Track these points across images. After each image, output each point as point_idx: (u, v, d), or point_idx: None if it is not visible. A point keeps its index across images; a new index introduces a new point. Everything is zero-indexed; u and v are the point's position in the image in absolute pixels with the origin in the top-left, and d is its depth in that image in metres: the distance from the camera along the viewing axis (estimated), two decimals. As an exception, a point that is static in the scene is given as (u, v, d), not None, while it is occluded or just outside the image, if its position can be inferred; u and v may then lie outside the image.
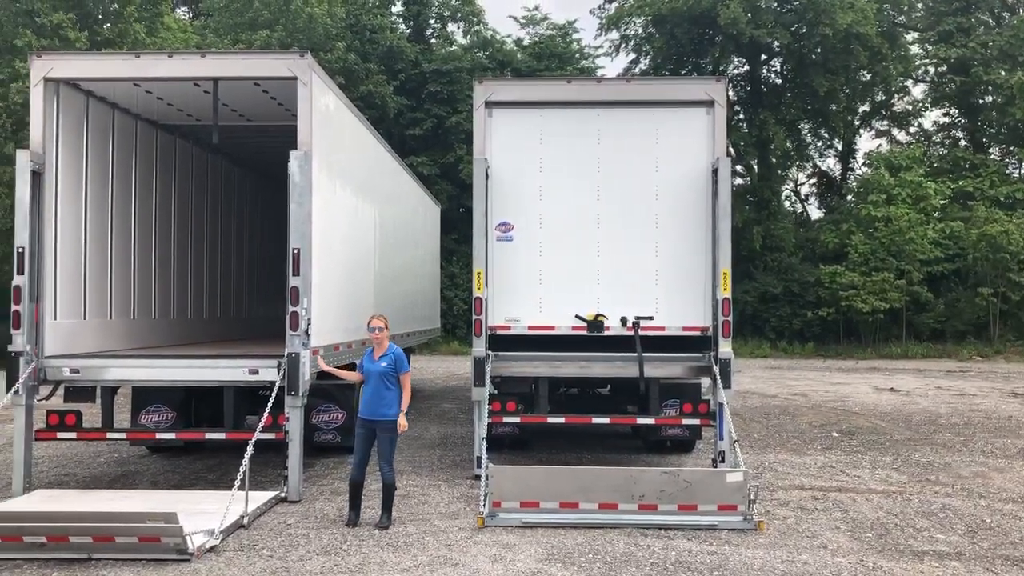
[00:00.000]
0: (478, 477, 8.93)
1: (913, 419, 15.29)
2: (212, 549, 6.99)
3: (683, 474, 7.90)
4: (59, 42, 25.27)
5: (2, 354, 9.10)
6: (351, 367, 9.08)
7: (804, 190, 44.27)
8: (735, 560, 6.87)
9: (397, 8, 39.42)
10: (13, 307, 8.81)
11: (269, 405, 8.63)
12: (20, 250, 8.83)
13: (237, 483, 7.79)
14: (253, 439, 8.30)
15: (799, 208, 43.47)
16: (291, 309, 8.71)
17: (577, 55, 39.62)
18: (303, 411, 8.89)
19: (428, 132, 35.58)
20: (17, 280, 8.82)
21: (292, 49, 10.76)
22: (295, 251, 8.73)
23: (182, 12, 41.64)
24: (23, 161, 8.89)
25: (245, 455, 7.99)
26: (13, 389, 8.73)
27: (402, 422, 7.97)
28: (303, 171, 8.82)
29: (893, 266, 31.69)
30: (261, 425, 8.54)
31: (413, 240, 17.03)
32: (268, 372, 8.96)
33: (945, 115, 40.36)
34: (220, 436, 9.34)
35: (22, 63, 24.29)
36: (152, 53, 9.57)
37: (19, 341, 8.80)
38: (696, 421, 10.20)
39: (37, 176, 9.05)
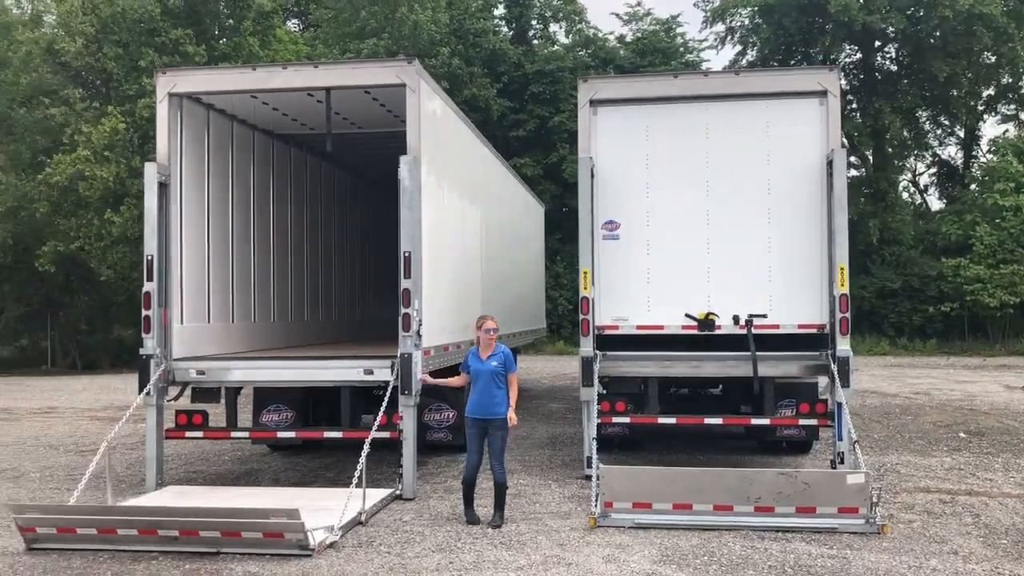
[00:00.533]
0: (588, 477, 8.91)
1: (1049, 419, 14.48)
2: (332, 545, 7.20)
3: (801, 475, 7.70)
4: (179, 58, 26.57)
5: (134, 357, 9.58)
6: (453, 369, 9.25)
7: (923, 180, 42.45)
8: (858, 564, 6.65)
9: (499, 11, 39.74)
10: (143, 312, 9.29)
11: (384, 404, 8.83)
12: (149, 258, 9.29)
13: (355, 481, 8.00)
14: (369, 438, 8.51)
15: (918, 199, 41.72)
16: (403, 311, 8.88)
17: (681, 49, 39.05)
18: (416, 410, 9.05)
19: (531, 133, 35.73)
20: (147, 287, 9.29)
21: (400, 56, 10.99)
22: (406, 254, 8.90)
23: (292, 24, 43.04)
24: (151, 173, 9.36)
25: (362, 454, 8.20)
26: (145, 390, 9.20)
27: (512, 416, 8.07)
28: (412, 176, 8.99)
29: (1023, 258, 30.01)
30: (377, 424, 8.74)
31: (519, 241, 17.14)
32: (382, 372, 9.17)
33: (1078, 97, 37.97)
34: (337, 435, 9.61)
35: (147, 80, 25.61)
36: (267, 65, 9.93)
37: (149, 344, 9.27)
38: (813, 421, 9.89)
39: (163, 187, 9.51)
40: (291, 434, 10.07)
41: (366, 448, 8.29)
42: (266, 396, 10.71)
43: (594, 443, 9.14)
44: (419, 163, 9.09)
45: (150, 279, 9.29)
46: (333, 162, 14.69)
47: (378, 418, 8.77)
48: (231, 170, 11.15)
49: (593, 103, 10.15)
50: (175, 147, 9.76)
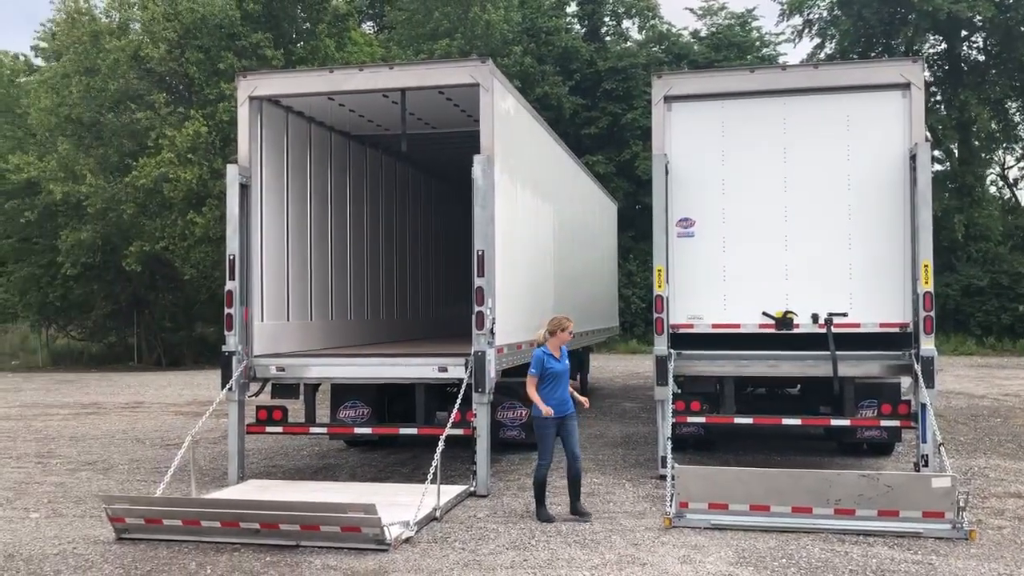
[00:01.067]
0: (663, 477, 8.85)
1: None
2: (408, 540, 7.29)
3: (883, 478, 7.49)
4: (257, 61, 27.21)
5: (216, 354, 9.85)
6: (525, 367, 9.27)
7: (1012, 174, 40.88)
8: (943, 570, 6.45)
9: (572, 8, 39.66)
10: (226, 310, 9.55)
11: (458, 401, 8.91)
12: (231, 257, 9.54)
13: (429, 477, 8.08)
14: (444, 434, 8.59)
15: (1007, 193, 40.22)
16: (476, 309, 8.94)
17: (757, 43, 38.41)
18: (489, 408, 9.10)
19: (603, 130, 35.59)
20: (229, 285, 9.54)
21: (473, 56, 11.05)
22: (479, 253, 8.95)
23: (367, 27, 43.70)
24: (232, 175, 9.61)
25: (436, 450, 8.27)
26: (227, 386, 9.46)
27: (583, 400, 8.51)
28: (486, 175, 9.04)
29: (1119, 254, 28.74)
30: (451, 421, 8.83)
31: (591, 239, 17.09)
32: (456, 370, 9.25)
33: None
34: (412, 431, 9.74)
35: (227, 84, 26.30)
36: (344, 68, 10.07)
37: (231, 341, 9.52)
38: (895, 423, 9.65)
39: (244, 188, 9.76)
40: (367, 430, 10.23)
41: (441, 444, 8.36)
42: (343, 393, 10.90)
43: (669, 443, 9.07)
44: (492, 162, 9.13)
45: (232, 278, 9.54)
46: (408, 162, 14.87)
47: (452, 415, 8.84)
48: (309, 171, 11.38)
49: (667, 99, 10.07)
50: (255, 149, 9.99)
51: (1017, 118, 38.04)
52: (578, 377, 17.04)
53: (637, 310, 31.99)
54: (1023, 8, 31.49)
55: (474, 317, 8.97)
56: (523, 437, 11.13)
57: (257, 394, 10.02)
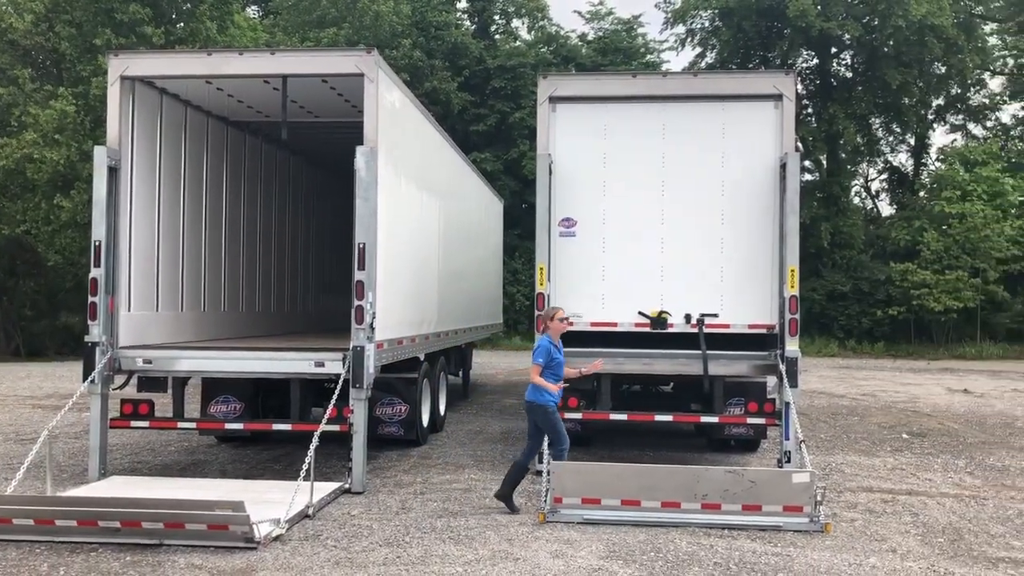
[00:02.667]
0: (539, 473, 8.89)
1: (988, 422, 14.83)
2: (278, 538, 7.11)
3: (748, 474, 7.78)
4: (136, 39, 26.03)
5: (81, 345, 9.38)
6: (405, 363, 9.15)
7: (875, 186, 43.25)
8: (800, 562, 6.74)
9: (462, 4, 39.63)
10: (90, 299, 9.09)
11: (334, 397, 8.76)
12: (97, 244, 9.09)
13: (302, 474, 7.92)
14: (318, 431, 8.43)
15: (869, 204, 42.50)
16: (356, 303, 8.80)
17: (642, 50, 39.28)
18: (367, 404, 8.97)
19: (492, 128, 35.67)
20: (94, 272, 9.08)
21: (359, 46, 10.87)
22: (361, 246, 8.82)
23: (252, 11, 42.44)
24: (100, 157, 9.15)
25: (310, 446, 8.11)
26: (89, 378, 9.01)
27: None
28: (369, 167, 8.90)
29: (967, 264, 30.75)
30: (326, 417, 8.67)
31: (476, 235, 17.08)
32: (333, 365, 9.07)
33: (1024, 108, 38.99)
34: (286, 427, 9.51)
35: (103, 60, 25.03)
36: (223, 51, 9.77)
37: (95, 332, 9.07)
38: (761, 420, 10.02)
39: (113, 172, 9.30)
40: (239, 426, 9.93)
41: (315, 441, 8.20)
42: (215, 387, 10.55)
43: (545, 439, 9.11)
44: (376, 154, 9.00)
45: (97, 265, 9.09)
46: (291, 151, 14.52)
47: (328, 411, 8.68)
48: (184, 156, 10.95)
49: (552, 100, 10.15)
50: (126, 131, 9.55)
51: (880, 134, 40.28)
52: (460, 373, 17.08)
53: (521, 307, 32.23)
54: (887, 30, 33.28)
55: (353, 311, 8.83)
56: (402, 433, 11.04)
57: (122, 387, 9.58)
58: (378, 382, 10.41)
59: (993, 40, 37.72)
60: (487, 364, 25.44)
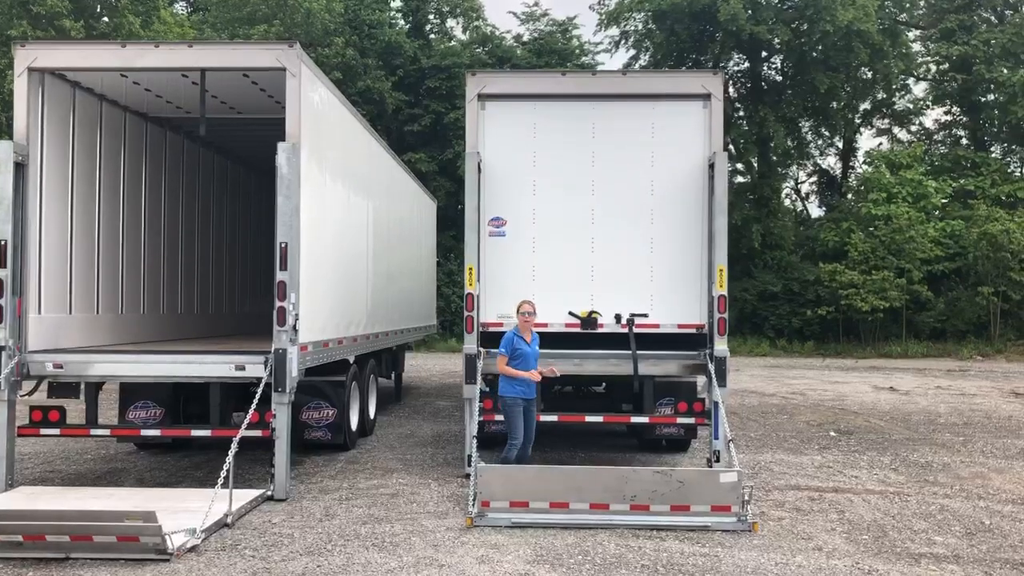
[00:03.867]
0: (468, 476, 8.77)
1: (912, 419, 15.14)
2: (193, 549, 6.84)
3: (676, 474, 7.75)
4: (55, 33, 25.15)
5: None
6: (332, 366, 8.98)
7: (804, 188, 44.15)
8: (728, 562, 6.72)
9: (396, 3, 39.26)
10: (-4, 301, 8.65)
11: (255, 402, 8.50)
12: (3, 243, 8.65)
13: (220, 481, 7.64)
14: (238, 436, 8.17)
15: (799, 206, 43.34)
16: (278, 304, 8.56)
17: (577, 51, 39.43)
18: (290, 408, 8.73)
19: (427, 128, 35.43)
20: (0, 273, 8.65)
21: (281, 39, 10.59)
22: (282, 245, 8.59)
23: (180, 7, 41.45)
24: (6, 152, 8.71)
25: (229, 453, 7.85)
26: (-5, 384, 8.58)
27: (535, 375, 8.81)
28: (291, 164, 8.67)
29: (893, 265, 31.51)
30: (247, 422, 8.40)
31: (409, 236, 16.89)
32: (255, 368, 8.80)
33: (946, 113, 40.19)
34: (206, 433, 9.19)
35: (16, 55, 24.11)
36: (138, 43, 9.38)
37: (1, 335, 8.64)
38: (691, 420, 10.02)
39: (21, 168, 8.88)
40: (156, 432, 9.57)
41: (234, 447, 7.94)
42: (133, 392, 10.18)
43: (474, 441, 9.00)
44: (298, 150, 8.77)
45: (3, 265, 8.65)
46: (213, 149, 14.12)
47: (248, 415, 8.41)
48: (100, 153, 10.53)
49: (481, 97, 10.03)
50: (35, 125, 9.12)
51: (809, 137, 41.12)
52: (392, 376, 16.85)
53: (456, 309, 32.02)
54: (815, 34, 33.98)
55: (275, 313, 8.58)
56: (329, 438, 10.81)
57: (31, 393, 9.15)
58: (304, 386, 10.22)
59: (916, 46, 38.82)
60: (421, 366, 25.21)
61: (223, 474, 7.67)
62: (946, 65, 37.84)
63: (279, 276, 8.57)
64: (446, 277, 31.29)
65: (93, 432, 9.34)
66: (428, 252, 20.38)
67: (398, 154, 30.55)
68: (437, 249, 23.84)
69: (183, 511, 7.57)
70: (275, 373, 8.52)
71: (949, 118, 40.12)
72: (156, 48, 9.20)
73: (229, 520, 7.56)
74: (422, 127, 35.34)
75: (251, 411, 8.47)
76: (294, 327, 8.64)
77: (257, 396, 8.51)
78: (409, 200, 17.13)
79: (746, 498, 7.62)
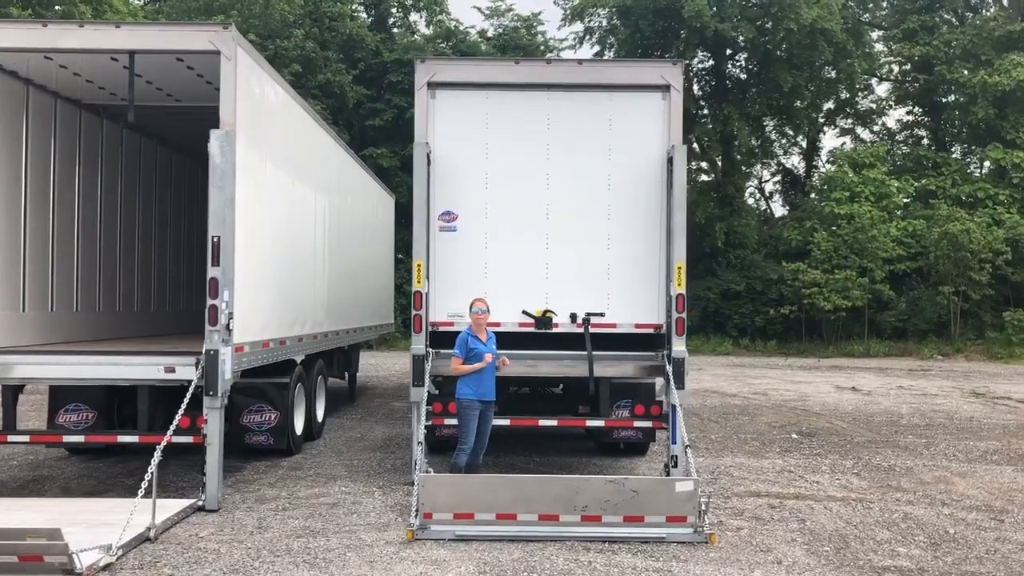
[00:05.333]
0: (414, 483, 8.31)
1: (874, 420, 14.95)
2: (107, 567, 6.31)
3: (629, 483, 7.34)
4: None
5: None
6: (273, 367, 8.56)
7: (768, 187, 44.14)
8: (683, 578, 6.33)
9: (358, -4, 38.60)
10: (-97, 298, 8.04)
11: (184, 405, 7.97)
12: (-89, 235, 8.05)
13: (142, 491, 7.13)
14: (163, 443, 7.68)
15: (763, 205, 43.33)
16: (210, 302, 8.07)
17: (542, 47, 39.00)
18: (223, 412, 8.26)
19: (388, 123, 34.82)
20: (-93, 269, 8.04)
21: (214, 20, 10.05)
22: (215, 239, 8.10)
23: (136, -4, 40.39)
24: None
25: (152, 460, 7.32)
26: (-99, 388, 7.97)
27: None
28: (225, 152, 8.17)
29: (855, 264, 31.48)
30: (174, 427, 7.88)
31: (365, 232, 16.43)
32: (186, 370, 8.28)
33: (908, 113, 40.36)
34: (133, 439, 8.65)
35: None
36: (61, 22, 8.83)
37: (-91, 335, 8.04)
38: (649, 423, 9.69)
39: (-68, 155, 8.26)
40: (79, 438, 8.99)
41: (157, 454, 7.45)
42: (64, 394, 9.58)
43: (421, 448, 8.56)
44: (233, 138, 8.27)
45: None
46: (155, 139, 13.46)
47: (176, 420, 7.89)
48: (26, 141, 9.88)
49: (431, 86, 9.59)
50: (-50, 110, 8.51)
51: (773, 136, 41.09)
52: (345, 376, 16.38)
53: (417, 307, 31.49)
54: (780, 33, 33.86)
55: (207, 311, 8.09)
56: (271, 443, 10.31)
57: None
58: (245, 387, 9.86)
59: (879, 46, 38.92)
60: (380, 365, 24.73)
61: (145, 483, 7.15)
62: (908, 66, 38.02)
63: (211, 272, 8.10)
64: (407, 274, 30.60)
65: (11, 438, 8.73)
66: (387, 249, 19.93)
67: (359, 149, 30.00)
68: (398, 246, 23.38)
69: (104, 524, 7.04)
70: (206, 375, 8.05)
71: (911, 118, 40.31)
72: (80, 28, 8.61)
73: (151, 534, 7.03)
74: (384, 122, 34.74)
75: (179, 415, 7.93)
76: (227, 326, 8.16)
77: (186, 400, 7.98)
78: (365, 195, 16.64)
79: (703, 508, 7.23)
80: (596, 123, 9.65)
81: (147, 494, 7.15)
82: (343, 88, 33.75)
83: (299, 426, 11.10)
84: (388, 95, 35.30)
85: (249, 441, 10.26)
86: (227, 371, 8.15)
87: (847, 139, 41.99)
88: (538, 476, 8.17)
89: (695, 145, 36.55)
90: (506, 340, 9.48)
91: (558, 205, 9.66)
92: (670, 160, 9.41)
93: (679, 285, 9.11)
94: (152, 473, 7.23)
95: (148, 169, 13.41)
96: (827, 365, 27.54)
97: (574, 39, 38.89)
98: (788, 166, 42.69)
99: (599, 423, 9.73)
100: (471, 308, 8.64)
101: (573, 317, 9.56)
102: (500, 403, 9.91)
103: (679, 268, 9.14)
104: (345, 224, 14.21)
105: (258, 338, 9.31)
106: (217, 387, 8.03)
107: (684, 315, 9.12)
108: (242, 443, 10.19)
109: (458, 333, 9.48)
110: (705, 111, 37.77)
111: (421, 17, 39.34)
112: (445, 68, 9.75)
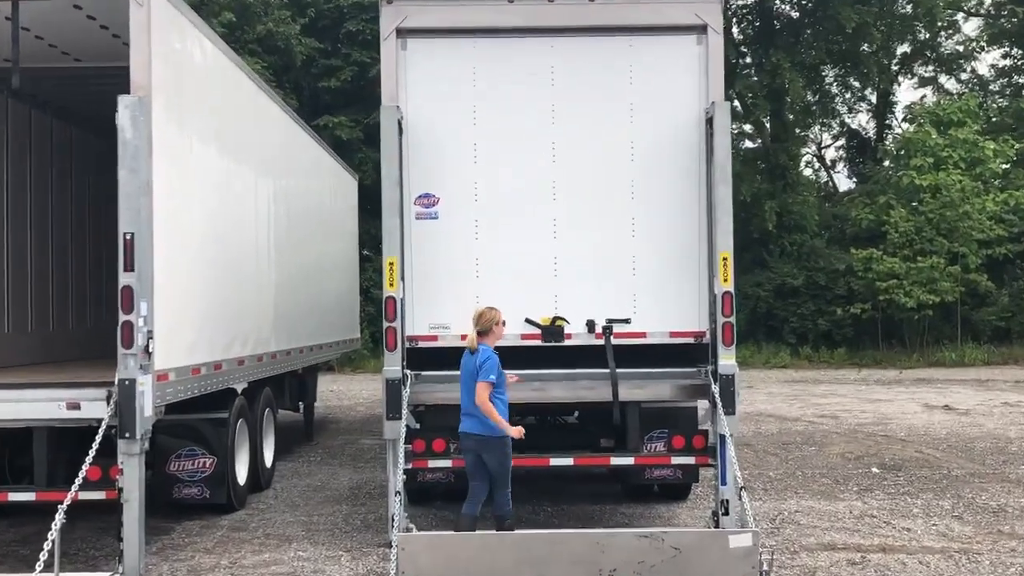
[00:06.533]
0: (392, 544, 8.21)
1: (976, 447, 14.93)
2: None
3: (669, 538, 7.22)
4: None
5: None
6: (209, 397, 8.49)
7: (829, 154, 44.24)
8: (742, 660, 6.21)
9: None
10: None
11: (92, 452, 7.86)
12: None
13: (41, 563, 7.03)
14: (67, 500, 7.57)
15: (823, 177, 43.46)
16: (123, 318, 7.96)
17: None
18: (143, 458, 8.14)
19: (347, 84, 34.92)
20: None
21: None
22: (127, 237, 7.99)
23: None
24: None
25: (54, 525, 7.23)
26: None
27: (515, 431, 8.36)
28: (137, 125, 8.06)
29: (943, 248, 31.50)
30: (81, 479, 7.77)
31: (322, 224, 16.50)
32: (93, 407, 8.19)
33: (1005, 57, 40.42)
34: (28, 497, 8.57)
35: None
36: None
37: None
38: (690, 459, 9.65)
39: None
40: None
41: (60, 516, 7.37)
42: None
43: (399, 498, 8.45)
44: (148, 106, 8.19)
45: None
46: (44, 109, 13.27)
47: (83, 470, 7.78)
48: None
49: (402, 33, 9.56)
50: None
51: (835, 89, 41.12)
52: (300, 407, 16.35)
53: (390, 317, 31.53)
54: (841, -42, 33.93)
55: (119, 329, 7.99)
56: (207, 496, 10.28)
57: None
58: (173, 426, 9.85)
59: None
60: (344, 392, 24.82)
61: (44, 554, 7.06)
62: (1004, -4, 38.10)
63: (123, 279, 7.99)
64: (376, 276, 30.69)
65: None
66: (349, 244, 19.95)
67: (312, 119, 29.88)
68: (363, 240, 23.46)
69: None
70: (120, 412, 7.92)
71: (1008, 63, 40.35)
72: (-57, -31, 8.50)
73: (52, 621, 6.92)
74: (341, 83, 34.81)
75: (86, 465, 7.82)
76: (146, 348, 8.07)
77: (95, 444, 7.87)
78: (321, 177, 16.73)
79: (765, 568, 7.13)
80: (613, 76, 9.64)
81: (47, 567, 7.06)
82: (289, 41, 33.80)
83: (242, 474, 11.08)
84: (346, 49, 35.38)
85: (179, 495, 10.23)
86: (147, 406, 8.06)
87: (928, 91, 42.15)
88: (552, 532, 8.08)
89: (736, 103, 36.60)
90: (506, 357, 9.32)
91: (567, 182, 9.64)
92: (709, 121, 9.37)
93: (725, 281, 9.05)
94: (54, 540, 7.15)
95: (41, 149, 13.25)
96: (911, 378, 27.55)
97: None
98: (854, 127, 42.83)
99: (627, 460, 9.73)
100: (494, 321, 8.44)
101: (590, 325, 9.53)
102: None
103: (725, 259, 9.09)
104: (296, 214, 14.21)
105: (187, 362, 9.25)
106: (135, 427, 7.91)
107: (733, 319, 9.08)
108: (170, 497, 10.18)
109: (442, 349, 9.49)
110: (748, 59, 37.87)
111: (386, -50, 39.34)
112: (419, 10, 9.65)
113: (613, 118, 9.63)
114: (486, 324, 8.36)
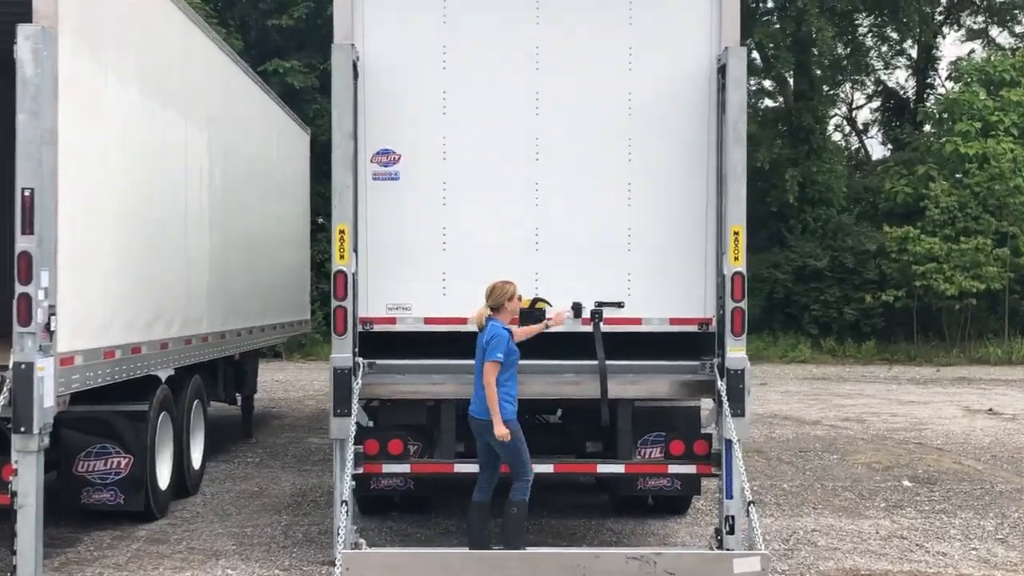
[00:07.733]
0: (335, 562, 8.17)
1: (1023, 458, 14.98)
2: None
3: (663, 560, 7.23)
4: None
5: None
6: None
7: (862, 116, 44.31)
8: None
9: None
10: None
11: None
12: None
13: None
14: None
15: (854, 143, 43.54)
16: (20, 289, 7.94)
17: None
18: (43, 456, 8.10)
19: (301, 23, 34.78)
20: None
21: None
22: (26, 194, 7.94)
23: None
24: None
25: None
26: None
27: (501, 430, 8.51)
28: (40, 59, 7.98)
29: (991, 228, 31.63)
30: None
31: (268, 184, 16.59)
32: (-16, 396, 8.15)
33: (1067, 7, 40.58)
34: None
35: None
36: None
37: None
38: (691, 468, 9.63)
39: None
40: None
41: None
42: None
43: (345, 507, 8.41)
44: (54, 37, 8.12)
45: None
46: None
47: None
48: None
49: (357, -42, 9.55)
50: None
51: (869, 41, 41.13)
52: (237, 399, 16.32)
53: (347, 295, 31.54)
54: None
55: (15, 303, 7.96)
56: (121, 501, 10.28)
57: None
58: (81, 420, 9.90)
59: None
60: (291, 383, 24.88)
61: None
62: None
63: (21, 243, 7.97)
64: (329, 247, 30.75)
65: None
66: (300, 210, 20.05)
67: (259, 63, 29.72)
68: (317, 204, 23.42)
69: None
70: (15, 402, 7.90)
71: (1070, 14, 40.49)
72: None
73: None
74: (294, 21, 34.70)
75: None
76: (47, 326, 8.03)
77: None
78: (267, 130, 16.84)
79: (775, 597, 7.11)
80: (609, 13, 9.61)
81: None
82: (231, -30, 33.66)
83: (164, 476, 11.05)
84: (299, -20, 35.23)
85: (88, 500, 10.22)
86: (48, 395, 8.04)
87: (976, 45, 42.21)
88: (527, 551, 8.07)
89: (755, 54, 36.53)
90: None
91: (553, 140, 9.62)
92: (721, 70, 9.33)
93: (736, 260, 9.01)
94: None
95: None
96: (951, 376, 27.76)
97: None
98: (891, 86, 42.88)
99: (617, 468, 9.72)
100: (507, 295, 8.74)
101: (577, 309, 9.51)
102: (466, 440, 9.97)
103: (736, 233, 9.05)
104: (236, 174, 14.31)
105: (98, 344, 9.24)
106: (32, 420, 7.88)
107: (744, 304, 9.04)
108: (77, 503, 10.18)
109: (401, 333, 9.50)
110: (769, 4, 37.78)
111: None
112: (379, -70, 9.66)
113: (608, 65, 9.60)
114: (498, 299, 8.64)
